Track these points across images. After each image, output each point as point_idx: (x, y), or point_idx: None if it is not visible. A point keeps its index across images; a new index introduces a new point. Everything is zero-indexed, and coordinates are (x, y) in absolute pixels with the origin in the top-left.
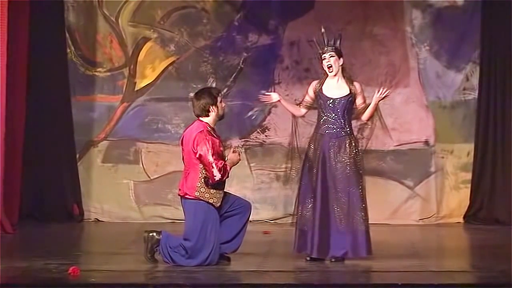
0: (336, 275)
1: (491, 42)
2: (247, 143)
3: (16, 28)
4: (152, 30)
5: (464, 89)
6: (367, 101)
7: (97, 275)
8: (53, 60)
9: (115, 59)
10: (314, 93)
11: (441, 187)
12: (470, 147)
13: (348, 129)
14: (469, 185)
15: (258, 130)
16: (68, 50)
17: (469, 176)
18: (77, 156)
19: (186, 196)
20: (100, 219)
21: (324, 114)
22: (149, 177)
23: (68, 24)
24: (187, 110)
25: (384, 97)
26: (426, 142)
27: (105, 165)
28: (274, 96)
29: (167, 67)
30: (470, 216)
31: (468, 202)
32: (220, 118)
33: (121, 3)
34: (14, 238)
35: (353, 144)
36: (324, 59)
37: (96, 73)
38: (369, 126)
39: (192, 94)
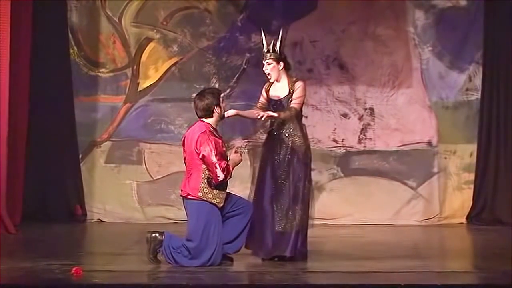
0: (339, 276)
1: (493, 42)
2: (250, 143)
3: (19, 28)
4: (155, 31)
5: (467, 89)
6: (300, 101)
7: (100, 275)
8: (56, 61)
9: (118, 59)
10: (266, 94)
11: (444, 187)
12: (473, 147)
13: (291, 129)
14: (472, 186)
15: (261, 130)
16: (71, 51)
17: (472, 176)
18: (80, 156)
19: (189, 197)
20: (103, 220)
21: None
22: (152, 177)
23: (71, 25)
24: (190, 111)
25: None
26: (429, 143)
27: (108, 166)
28: (230, 112)
29: (170, 67)
30: (473, 217)
31: (471, 203)
32: (221, 118)
33: (124, 3)
34: (16, 238)
35: (296, 145)
36: (263, 65)
37: (99, 74)
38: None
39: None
